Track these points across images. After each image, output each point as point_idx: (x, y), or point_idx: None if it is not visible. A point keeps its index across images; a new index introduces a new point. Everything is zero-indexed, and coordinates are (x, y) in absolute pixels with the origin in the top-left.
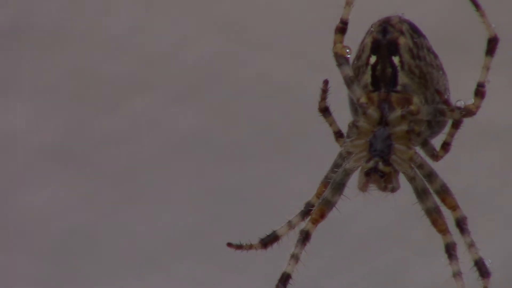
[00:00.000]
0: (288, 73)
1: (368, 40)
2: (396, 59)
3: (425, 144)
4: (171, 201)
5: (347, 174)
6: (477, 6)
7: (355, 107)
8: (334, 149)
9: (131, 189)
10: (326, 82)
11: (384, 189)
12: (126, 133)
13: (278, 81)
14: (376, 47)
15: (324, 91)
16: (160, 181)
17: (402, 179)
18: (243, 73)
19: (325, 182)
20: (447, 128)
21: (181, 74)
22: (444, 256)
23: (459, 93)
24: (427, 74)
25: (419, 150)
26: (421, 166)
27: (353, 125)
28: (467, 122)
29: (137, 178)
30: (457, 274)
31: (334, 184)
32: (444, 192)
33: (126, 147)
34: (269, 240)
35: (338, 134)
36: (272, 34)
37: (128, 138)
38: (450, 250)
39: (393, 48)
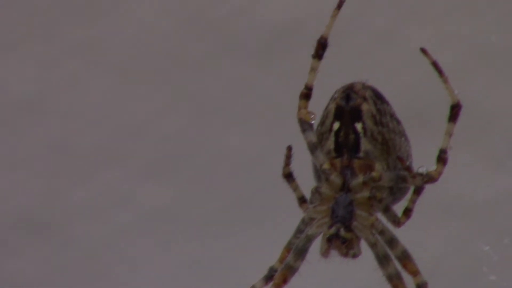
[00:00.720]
0: (258, 146)
1: (332, 106)
2: (359, 126)
3: (386, 210)
4: (138, 276)
5: (309, 239)
6: (440, 72)
7: (318, 173)
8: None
9: (100, 261)
10: (289, 148)
11: (345, 255)
12: (97, 205)
13: (248, 154)
14: (339, 114)
15: (288, 157)
16: (128, 255)
17: (363, 245)
18: (214, 144)
19: (288, 248)
20: (409, 195)
21: (154, 146)
22: None
23: (422, 160)
24: (390, 141)
25: (380, 216)
26: (382, 232)
27: (316, 191)
28: (433, 195)
29: (106, 251)
30: None
31: (296, 250)
32: (405, 258)
33: (96, 219)
34: None
35: (302, 200)
36: (241, 108)
37: (99, 210)
38: None
39: (356, 115)
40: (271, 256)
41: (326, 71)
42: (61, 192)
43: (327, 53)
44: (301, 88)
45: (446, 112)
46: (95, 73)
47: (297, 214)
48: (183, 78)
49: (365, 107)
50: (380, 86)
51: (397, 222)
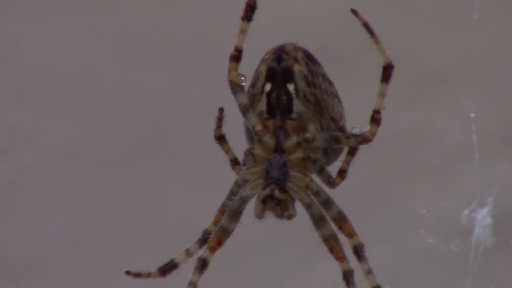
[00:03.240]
0: (166, 85)
1: (263, 68)
2: (291, 87)
3: (321, 172)
4: (46, 212)
5: (244, 201)
6: (372, 33)
7: (251, 135)
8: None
9: (7, 199)
10: (221, 110)
11: (280, 216)
12: (2, 144)
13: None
14: (271, 75)
15: (220, 119)
16: (37, 192)
17: (298, 206)
18: (121, 84)
19: (222, 210)
20: (343, 156)
21: (60, 84)
22: (342, 283)
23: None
24: (322, 101)
25: (315, 177)
26: (317, 193)
27: (249, 153)
28: None
29: (14, 188)
30: None
31: (230, 212)
32: (341, 219)
33: (3, 157)
34: (167, 268)
35: (234, 162)
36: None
37: (5, 148)
38: (348, 277)
39: (288, 76)
40: (178, 191)
41: (255, 33)
42: None
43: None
44: None
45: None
46: None
47: (204, 151)
48: (91, 16)
49: (296, 68)
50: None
51: (332, 183)
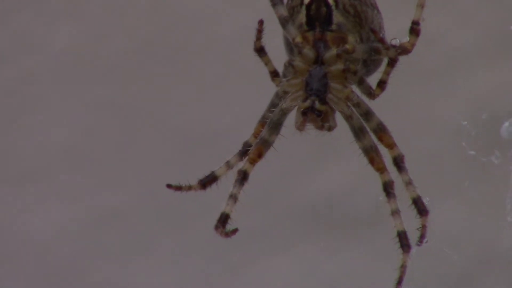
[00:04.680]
0: None
1: None
2: None
3: (361, 83)
4: (53, 118)
5: (284, 113)
6: None
7: (291, 47)
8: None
9: (13, 104)
10: (261, 22)
11: (321, 128)
12: (5, 50)
13: None
14: None
15: (259, 31)
16: (41, 97)
17: (339, 117)
18: None
19: (263, 122)
20: (383, 67)
21: None
22: (382, 195)
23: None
24: (362, 13)
25: (355, 89)
26: (357, 104)
27: (289, 65)
28: None
29: (21, 93)
30: (395, 212)
31: (271, 124)
32: (381, 131)
33: (7, 64)
34: (208, 181)
35: (274, 74)
36: None
37: (8, 54)
38: (388, 188)
39: None
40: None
41: None
42: None
43: None
44: None
45: None
46: None
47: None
48: None
49: None
50: None
51: (372, 95)
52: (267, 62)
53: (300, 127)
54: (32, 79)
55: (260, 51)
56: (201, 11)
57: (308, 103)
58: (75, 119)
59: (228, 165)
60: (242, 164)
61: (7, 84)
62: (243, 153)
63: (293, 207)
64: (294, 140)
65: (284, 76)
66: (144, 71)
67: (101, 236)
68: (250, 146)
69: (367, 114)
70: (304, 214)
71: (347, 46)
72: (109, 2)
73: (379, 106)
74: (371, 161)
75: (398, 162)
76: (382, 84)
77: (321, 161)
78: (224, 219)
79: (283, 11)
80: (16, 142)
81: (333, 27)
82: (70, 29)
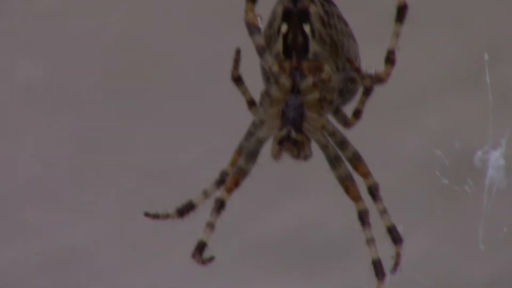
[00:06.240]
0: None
1: (279, 9)
2: (307, 27)
3: (337, 112)
4: (17, 151)
5: (260, 142)
6: None
7: (268, 76)
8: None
9: None
10: (238, 51)
11: (297, 156)
12: None
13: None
14: (287, 16)
15: (237, 60)
16: (6, 131)
17: (314, 147)
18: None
19: (239, 151)
20: (358, 96)
21: (26, 22)
22: (357, 223)
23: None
24: (338, 42)
25: (331, 118)
26: (333, 133)
27: (266, 94)
28: None
29: None
30: (370, 241)
31: (247, 153)
32: (356, 160)
33: None
34: (185, 209)
35: (251, 103)
36: None
37: None
38: (363, 217)
39: (304, 16)
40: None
41: None
42: None
43: None
44: None
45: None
46: None
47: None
48: None
49: (312, 9)
50: None
51: (347, 123)
52: (244, 91)
53: (277, 156)
54: None
55: (238, 80)
56: (167, 46)
57: (284, 132)
58: (39, 153)
59: (205, 194)
60: (219, 193)
61: None
62: (220, 182)
63: (264, 238)
64: (263, 171)
65: (261, 105)
66: (109, 105)
67: (65, 273)
68: (227, 175)
69: (342, 143)
70: (274, 245)
71: (323, 75)
72: (74, 36)
73: (353, 136)
74: (347, 190)
75: (373, 191)
76: (357, 113)
77: (292, 192)
78: (201, 247)
79: (261, 40)
80: None
81: (310, 56)
82: (33, 62)
